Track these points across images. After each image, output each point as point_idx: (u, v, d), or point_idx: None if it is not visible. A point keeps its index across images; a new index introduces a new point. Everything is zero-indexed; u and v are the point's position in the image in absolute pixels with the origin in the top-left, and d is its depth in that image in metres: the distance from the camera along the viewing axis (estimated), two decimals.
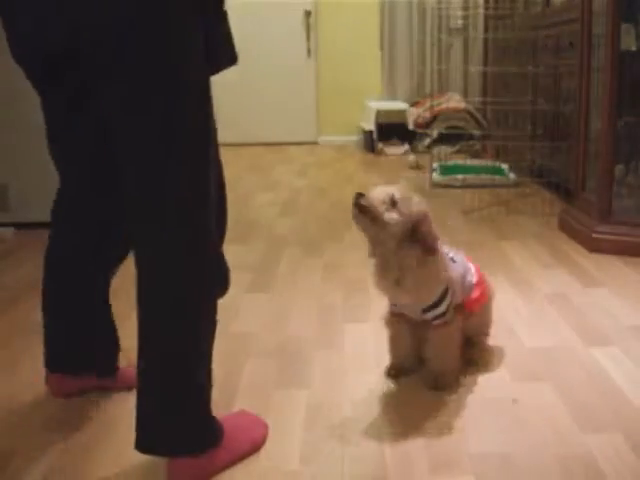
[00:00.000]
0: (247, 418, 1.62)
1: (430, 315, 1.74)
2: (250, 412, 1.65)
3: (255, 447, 1.54)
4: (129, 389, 1.79)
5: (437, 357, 1.80)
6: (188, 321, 1.39)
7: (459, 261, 1.82)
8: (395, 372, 1.87)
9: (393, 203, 1.61)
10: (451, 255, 1.80)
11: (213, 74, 1.39)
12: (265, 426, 1.60)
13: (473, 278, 1.84)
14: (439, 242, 1.69)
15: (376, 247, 1.68)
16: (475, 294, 1.83)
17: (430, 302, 1.72)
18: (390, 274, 1.68)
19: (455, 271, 1.77)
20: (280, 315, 2.33)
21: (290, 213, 3.83)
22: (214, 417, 1.46)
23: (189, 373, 1.40)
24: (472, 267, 1.86)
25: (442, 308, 1.73)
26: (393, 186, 1.67)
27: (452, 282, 1.76)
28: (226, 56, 1.42)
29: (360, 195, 1.62)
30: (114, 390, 1.76)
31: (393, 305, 1.82)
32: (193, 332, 1.40)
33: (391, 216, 1.60)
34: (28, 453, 1.53)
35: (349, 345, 2.09)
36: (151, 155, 1.32)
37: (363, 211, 1.61)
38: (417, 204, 1.65)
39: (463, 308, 1.80)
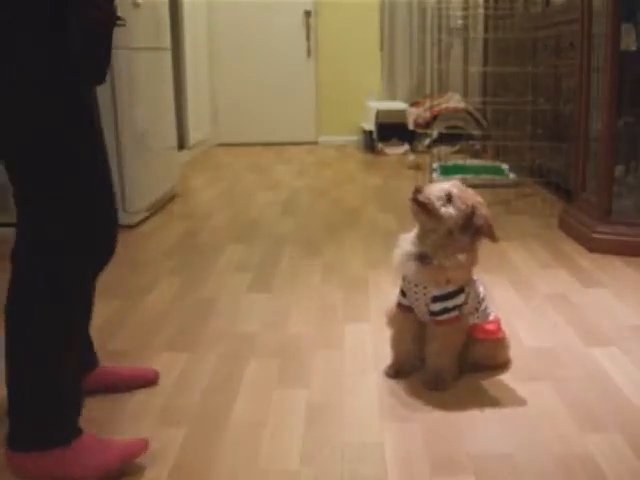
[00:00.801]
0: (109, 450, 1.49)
1: (438, 307, 1.74)
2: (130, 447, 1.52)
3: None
4: (107, 389, 1.77)
5: (437, 355, 1.79)
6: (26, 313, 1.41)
7: (482, 287, 1.86)
8: (394, 372, 1.87)
9: (449, 198, 1.67)
10: (476, 278, 1.84)
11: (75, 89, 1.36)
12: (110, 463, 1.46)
13: (492, 312, 1.86)
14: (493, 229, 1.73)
15: (426, 234, 1.72)
16: (489, 325, 1.84)
17: (445, 290, 1.72)
18: (420, 248, 1.72)
19: (478, 287, 1.83)
20: (280, 315, 2.33)
21: (290, 213, 3.83)
22: (52, 421, 1.42)
23: (18, 370, 1.42)
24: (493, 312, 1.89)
25: (452, 303, 1.74)
26: (450, 182, 1.73)
27: (472, 288, 1.79)
28: (88, 71, 1.37)
29: (418, 190, 1.68)
30: (91, 391, 1.71)
31: (403, 296, 1.81)
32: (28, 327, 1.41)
33: (447, 211, 1.67)
34: None
35: (349, 345, 2.09)
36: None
37: (420, 205, 1.67)
38: (472, 198, 1.71)
39: (472, 330, 1.82)
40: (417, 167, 5.00)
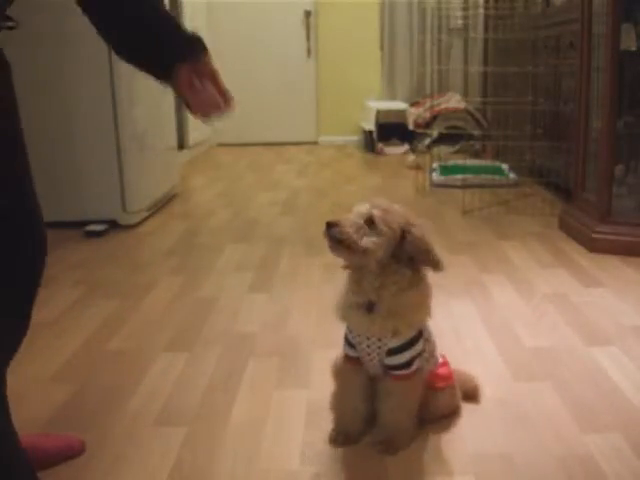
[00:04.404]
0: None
1: (395, 361, 1.48)
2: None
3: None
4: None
5: (394, 412, 1.53)
6: None
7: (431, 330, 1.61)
8: (343, 438, 1.56)
9: (371, 223, 1.40)
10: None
11: None
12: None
13: (438, 353, 1.64)
14: (435, 254, 1.43)
15: (357, 270, 1.46)
16: (442, 370, 1.62)
17: (403, 340, 1.47)
18: (363, 296, 1.45)
19: (428, 327, 1.58)
20: (280, 315, 2.33)
21: (290, 213, 3.83)
22: None
23: None
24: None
25: (411, 353, 1.49)
26: (370, 202, 1.45)
27: (427, 329, 1.56)
28: None
29: (331, 225, 1.40)
30: None
31: (350, 347, 1.53)
32: None
33: (371, 240, 1.39)
34: None
35: None
36: None
37: (337, 242, 1.40)
38: (400, 218, 1.42)
39: (431, 379, 1.59)
40: (417, 167, 5.00)
